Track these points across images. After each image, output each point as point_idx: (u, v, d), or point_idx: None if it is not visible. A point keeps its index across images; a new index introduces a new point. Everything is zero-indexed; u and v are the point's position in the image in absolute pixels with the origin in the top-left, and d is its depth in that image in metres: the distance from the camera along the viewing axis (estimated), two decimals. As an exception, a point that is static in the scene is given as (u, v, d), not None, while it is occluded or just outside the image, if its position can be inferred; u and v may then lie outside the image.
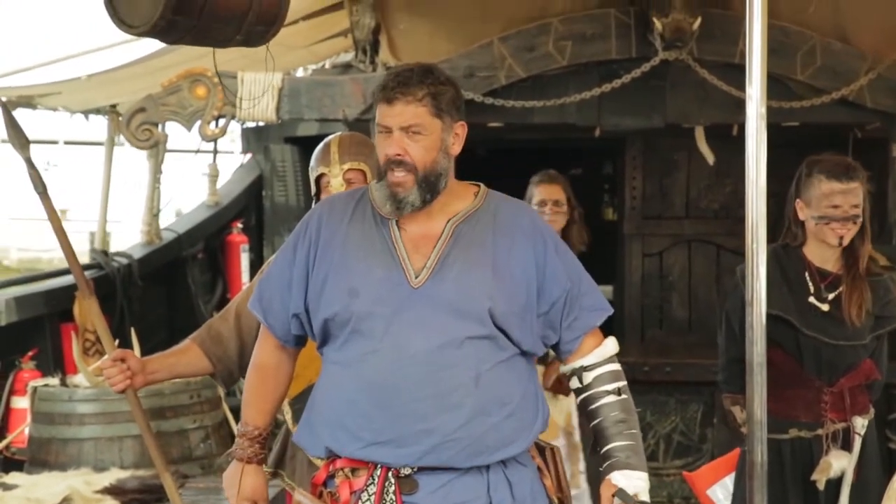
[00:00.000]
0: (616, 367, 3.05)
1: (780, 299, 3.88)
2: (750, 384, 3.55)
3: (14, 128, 3.65)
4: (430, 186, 2.88)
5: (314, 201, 3.78)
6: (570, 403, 4.96)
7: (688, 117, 6.50)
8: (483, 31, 6.36)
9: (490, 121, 6.71)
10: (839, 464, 3.92)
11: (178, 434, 5.40)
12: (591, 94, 6.26)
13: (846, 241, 3.93)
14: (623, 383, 3.05)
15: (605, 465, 3.01)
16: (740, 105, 3.62)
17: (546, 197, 5.11)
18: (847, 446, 3.95)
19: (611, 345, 3.05)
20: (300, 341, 3.08)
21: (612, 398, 3.02)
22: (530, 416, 2.93)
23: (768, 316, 3.59)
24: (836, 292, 3.97)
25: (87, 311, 3.73)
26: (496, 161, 10.12)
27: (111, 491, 4.70)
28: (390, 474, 2.82)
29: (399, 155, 2.84)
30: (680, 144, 7.41)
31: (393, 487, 2.82)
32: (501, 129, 7.32)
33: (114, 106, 7.90)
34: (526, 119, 6.42)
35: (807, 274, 4.00)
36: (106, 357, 3.55)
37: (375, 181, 2.94)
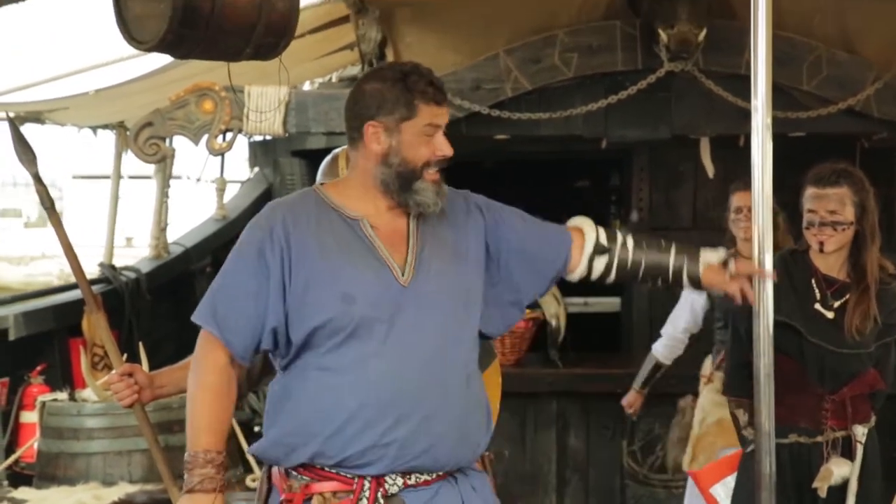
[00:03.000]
0: (603, 230, 3.25)
1: (786, 305, 3.88)
2: (757, 394, 3.56)
3: (22, 143, 3.66)
4: None
5: None
6: None
7: (694, 128, 6.49)
8: (489, 43, 6.37)
9: (496, 133, 6.72)
10: (840, 471, 3.92)
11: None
12: (597, 106, 6.26)
13: (828, 248, 3.95)
14: (629, 234, 3.31)
15: (680, 267, 3.23)
16: (747, 116, 3.62)
17: (742, 203, 5.16)
18: (847, 454, 3.95)
19: (585, 223, 3.23)
20: (254, 357, 3.00)
21: (630, 243, 3.25)
22: (488, 415, 3.03)
23: (777, 324, 3.64)
24: (843, 300, 3.97)
25: (95, 325, 3.72)
26: (502, 173, 10.14)
27: (120, 505, 4.70)
28: (379, 494, 2.82)
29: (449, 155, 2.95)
30: (686, 155, 7.41)
31: None
32: (508, 142, 7.32)
33: (121, 122, 7.92)
34: (532, 131, 6.43)
35: (813, 281, 4.00)
36: (114, 371, 3.55)
37: (389, 181, 2.92)
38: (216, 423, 2.89)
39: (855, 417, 3.98)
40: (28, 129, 7.46)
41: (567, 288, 6.73)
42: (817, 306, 3.98)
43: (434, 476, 2.88)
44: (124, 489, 4.94)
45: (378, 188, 2.93)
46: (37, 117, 7.62)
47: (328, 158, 3.91)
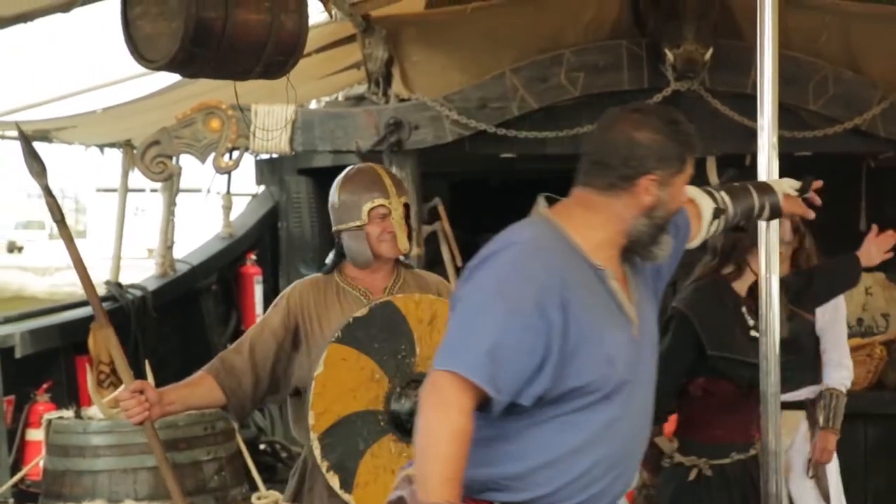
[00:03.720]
0: (710, 195, 3.25)
1: (727, 338, 4.13)
2: (764, 414, 3.56)
3: (32, 156, 3.67)
4: None
5: (360, 230, 3.78)
6: None
7: (700, 147, 6.49)
8: (495, 62, 6.38)
9: (503, 152, 6.73)
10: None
11: (192, 466, 5.38)
12: (603, 125, 6.27)
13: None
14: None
15: (763, 205, 3.32)
16: (753, 135, 3.64)
17: None
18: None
19: (693, 191, 3.20)
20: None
21: (727, 198, 3.29)
22: None
23: (723, 358, 4.04)
24: None
25: (105, 341, 3.72)
26: (509, 192, 10.14)
27: (126, 523, 4.70)
28: None
29: None
30: (693, 174, 7.41)
31: None
32: (514, 160, 7.33)
33: (128, 140, 7.95)
34: (538, 150, 6.44)
35: (744, 308, 4.19)
36: (122, 388, 3.55)
37: (645, 233, 2.78)
38: (460, 472, 2.59)
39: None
40: (47, 145, 7.50)
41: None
42: (752, 332, 4.09)
43: None
44: (130, 507, 4.93)
45: (624, 238, 2.79)
46: (44, 135, 7.64)
47: (364, 174, 3.87)
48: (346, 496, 3.59)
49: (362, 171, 3.90)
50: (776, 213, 3.36)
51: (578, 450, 2.71)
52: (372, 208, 3.79)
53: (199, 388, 3.67)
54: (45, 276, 22.21)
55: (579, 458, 2.71)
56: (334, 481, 3.59)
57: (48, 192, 3.65)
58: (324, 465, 3.57)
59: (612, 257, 2.78)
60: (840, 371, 4.95)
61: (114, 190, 8.13)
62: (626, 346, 2.73)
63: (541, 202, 2.86)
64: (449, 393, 2.58)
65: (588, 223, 2.77)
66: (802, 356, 4.81)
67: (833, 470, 4.95)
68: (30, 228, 38.93)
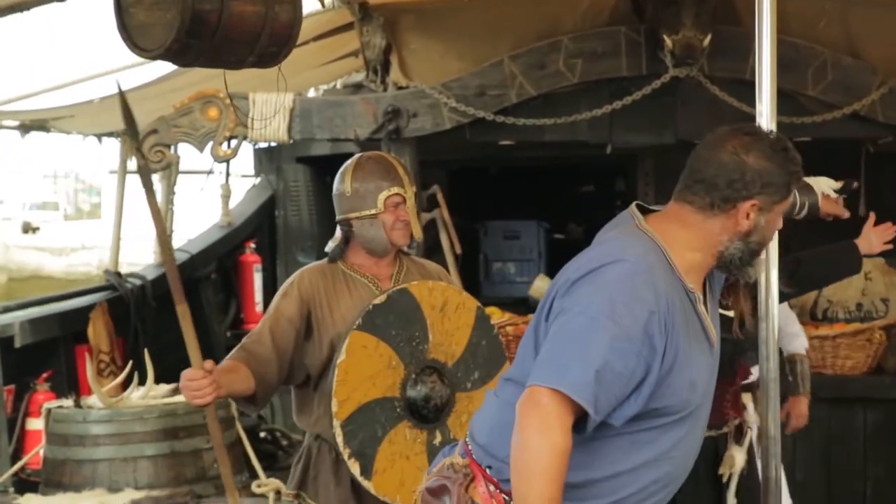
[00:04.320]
0: None
1: None
2: (763, 400, 3.56)
3: (129, 119, 3.67)
4: None
5: (374, 218, 3.78)
6: None
7: (699, 133, 6.41)
8: (494, 49, 6.37)
9: (501, 139, 6.72)
10: (741, 458, 4.25)
11: (192, 454, 5.40)
12: (602, 112, 6.27)
13: None
14: None
15: (804, 203, 3.31)
16: (752, 121, 3.62)
17: None
18: (738, 440, 4.27)
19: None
20: None
21: None
22: None
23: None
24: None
25: (181, 317, 3.65)
26: (507, 179, 10.13)
27: (126, 512, 4.71)
28: None
29: None
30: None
31: None
32: (513, 147, 7.32)
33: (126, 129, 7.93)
34: (537, 137, 6.43)
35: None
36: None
37: (739, 257, 2.74)
38: (561, 490, 2.58)
39: (738, 405, 4.31)
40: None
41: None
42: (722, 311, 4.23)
43: None
44: (130, 495, 4.94)
45: (716, 259, 2.77)
46: (42, 125, 7.64)
47: (375, 163, 3.86)
48: (365, 483, 3.60)
49: (374, 160, 3.89)
50: (814, 212, 3.27)
51: (643, 466, 2.72)
52: (388, 196, 3.80)
53: (239, 375, 3.64)
54: (62, 256, 22.40)
55: (642, 473, 2.72)
56: (355, 468, 3.60)
57: (140, 154, 3.65)
58: (346, 452, 3.57)
59: (700, 278, 2.78)
60: (797, 339, 5.15)
61: (131, 172, 8.14)
62: (707, 370, 2.75)
63: (636, 213, 2.83)
64: (551, 410, 2.55)
65: (688, 244, 2.75)
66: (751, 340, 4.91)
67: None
68: (44, 209, 39.07)
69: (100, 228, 20.11)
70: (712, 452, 4.23)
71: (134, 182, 7.82)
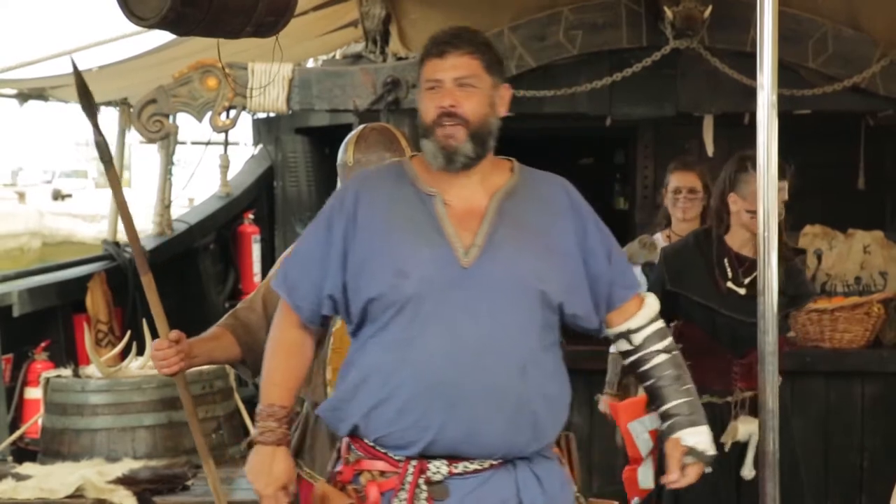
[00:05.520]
0: (661, 324, 3.04)
1: (701, 286, 4.35)
2: (762, 373, 3.56)
3: (86, 96, 3.64)
4: (480, 140, 2.86)
5: None
6: None
7: (699, 106, 6.48)
8: (493, 20, 6.34)
9: (500, 110, 6.69)
10: (746, 428, 4.30)
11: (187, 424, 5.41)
12: (601, 84, 6.25)
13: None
14: (671, 339, 3.04)
15: (666, 424, 2.97)
16: (752, 93, 3.61)
17: (681, 184, 5.27)
18: (754, 413, 4.19)
19: (654, 303, 3.03)
20: (324, 322, 3.02)
21: (663, 357, 3.00)
22: (565, 407, 2.91)
23: (687, 298, 4.29)
24: (752, 276, 4.22)
25: (146, 287, 3.72)
26: (506, 151, 10.11)
27: (124, 481, 4.71)
28: (422, 480, 2.77)
29: (452, 106, 2.81)
30: (691, 133, 7.39)
31: (424, 493, 2.78)
32: (512, 119, 7.28)
33: (125, 99, 7.91)
34: (537, 108, 6.41)
35: (726, 260, 4.39)
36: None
37: (424, 142, 2.86)
38: (286, 379, 2.96)
39: None
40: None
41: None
42: (730, 284, 4.36)
43: (487, 465, 2.80)
44: (128, 465, 4.94)
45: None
46: (41, 94, 7.61)
47: (380, 134, 3.82)
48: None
49: (377, 130, 3.87)
50: (664, 434, 2.99)
51: (382, 366, 2.78)
52: None
53: (220, 343, 3.66)
54: (94, 222, 22.56)
55: (385, 376, 2.77)
56: None
57: (98, 132, 3.63)
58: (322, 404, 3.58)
59: (460, 185, 2.85)
60: None
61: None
62: (431, 265, 2.77)
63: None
64: (278, 311, 2.99)
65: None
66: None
67: None
68: (74, 177, 39.21)
69: (129, 197, 20.55)
70: (714, 418, 4.15)
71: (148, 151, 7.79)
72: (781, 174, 4.01)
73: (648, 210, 7.91)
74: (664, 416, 2.99)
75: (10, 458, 5.60)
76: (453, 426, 2.74)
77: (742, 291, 4.34)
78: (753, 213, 4.16)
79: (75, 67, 3.78)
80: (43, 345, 6.41)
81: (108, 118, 8.31)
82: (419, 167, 2.90)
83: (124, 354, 5.58)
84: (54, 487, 4.65)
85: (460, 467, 2.78)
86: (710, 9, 5.98)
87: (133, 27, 3.74)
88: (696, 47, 6.11)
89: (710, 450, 2.98)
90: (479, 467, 2.79)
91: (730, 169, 4.43)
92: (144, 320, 5.60)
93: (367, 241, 2.82)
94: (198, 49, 6.37)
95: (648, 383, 3.01)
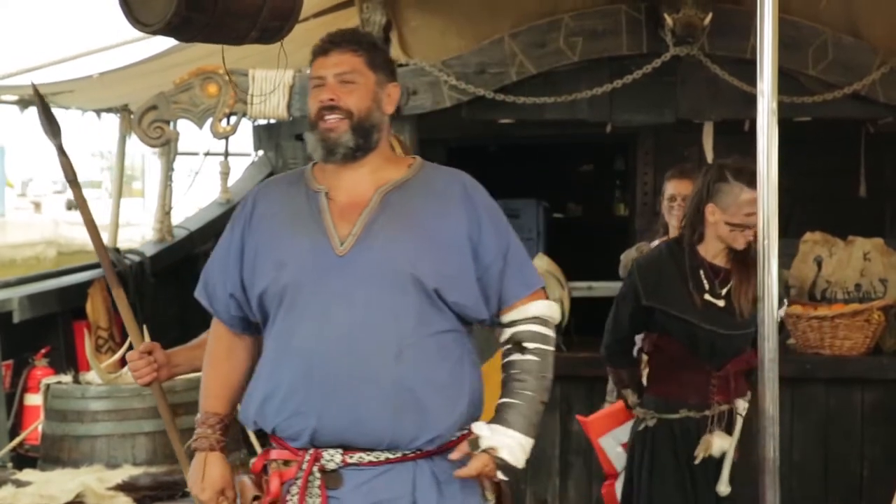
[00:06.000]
0: (538, 328, 2.97)
1: (678, 299, 4.24)
2: (762, 380, 3.56)
3: (47, 116, 3.68)
4: (363, 133, 2.92)
5: None
6: None
7: (699, 113, 6.48)
8: (494, 27, 6.35)
9: (501, 117, 6.71)
10: (720, 443, 4.24)
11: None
12: (602, 90, 6.25)
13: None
14: (538, 345, 2.96)
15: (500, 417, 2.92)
16: (752, 100, 3.61)
17: (676, 192, 5.26)
18: (730, 427, 4.26)
19: (536, 306, 2.98)
20: (249, 326, 3.05)
21: (517, 356, 2.97)
22: (463, 396, 2.89)
23: (664, 312, 4.21)
24: (728, 287, 4.26)
25: (118, 300, 3.75)
26: (507, 157, 10.12)
27: (124, 488, 4.71)
28: (316, 468, 2.84)
29: (332, 100, 2.90)
30: (691, 140, 7.40)
31: (318, 481, 2.84)
32: (513, 126, 7.31)
33: (125, 105, 7.92)
34: (537, 115, 6.42)
35: (701, 271, 4.28)
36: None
37: (307, 136, 2.98)
38: (214, 387, 3.08)
39: (736, 392, 4.31)
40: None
41: (571, 272, 6.75)
42: (707, 297, 4.25)
43: (383, 458, 2.84)
44: (128, 471, 4.93)
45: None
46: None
47: None
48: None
49: None
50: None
51: (269, 358, 2.90)
52: None
53: (203, 351, 3.67)
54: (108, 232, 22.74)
55: (272, 368, 2.88)
56: None
57: (62, 153, 3.67)
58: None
59: (347, 181, 2.93)
60: None
61: (187, 153, 8.17)
62: (307, 255, 2.86)
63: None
64: (213, 321, 3.11)
65: None
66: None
67: None
68: (89, 187, 39.31)
69: (142, 207, 20.95)
70: (690, 434, 4.27)
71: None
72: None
73: (648, 217, 7.92)
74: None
75: (9, 465, 5.60)
76: (334, 413, 2.81)
77: (721, 304, 4.25)
78: (735, 226, 4.18)
79: (36, 90, 3.85)
80: (43, 351, 6.41)
81: (109, 124, 8.32)
82: (317, 169, 3.01)
83: (124, 361, 5.58)
84: (54, 494, 4.64)
85: (355, 458, 2.84)
86: (710, 16, 5.98)
87: (134, 33, 3.75)
88: (697, 54, 6.12)
89: (502, 452, 2.83)
90: (374, 459, 2.84)
91: (708, 178, 4.29)
92: (145, 327, 5.61)
93: (257, 240, 2.95)
94: (199, 55, 6.37)
95: (503, 376, 3.02)
